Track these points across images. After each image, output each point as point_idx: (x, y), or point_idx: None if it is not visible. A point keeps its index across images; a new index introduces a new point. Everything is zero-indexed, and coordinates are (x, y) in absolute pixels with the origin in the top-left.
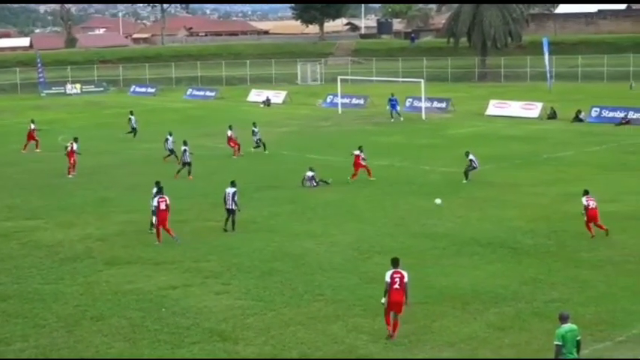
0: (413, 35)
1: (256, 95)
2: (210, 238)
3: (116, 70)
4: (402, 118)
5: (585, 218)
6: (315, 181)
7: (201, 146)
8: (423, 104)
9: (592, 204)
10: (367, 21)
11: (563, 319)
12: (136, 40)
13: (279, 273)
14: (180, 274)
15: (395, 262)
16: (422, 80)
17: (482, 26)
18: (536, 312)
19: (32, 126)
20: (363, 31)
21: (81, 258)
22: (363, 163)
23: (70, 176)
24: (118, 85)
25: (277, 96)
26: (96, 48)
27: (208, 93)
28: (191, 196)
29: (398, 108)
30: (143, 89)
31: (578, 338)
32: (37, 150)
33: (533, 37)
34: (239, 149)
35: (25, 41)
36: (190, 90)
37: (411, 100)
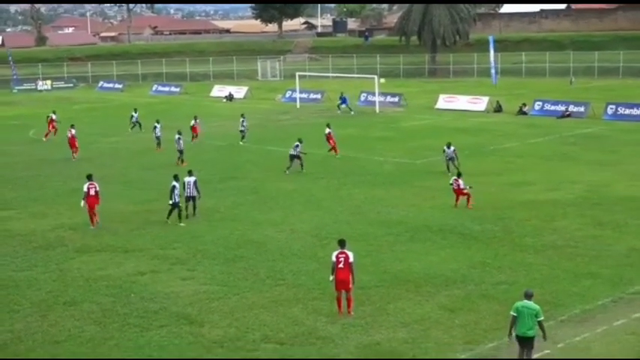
0: (367, 34)
1: (219, 91)
2: (176, 226)
3: (85, 67)
4: (352, 112)
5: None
6: (300, 152)
7: (165, 140)
8: (377, 99)
9: (456, 185)
10: (323, 20)
11: (527, 296)
12: (104, 39)
13: (243, 259)
14: (148, 260)
15: (341, 243)
16: (375, 76)
17: (432, 25)
18: (485, 294)
19: (53, 116)
20: (319, 30)
21: (53, 246)
22: (333, 139)
23: (74, 159)
24: (86, 82)
25: (239, 91)
26: (65, 46)
27: (173, 89)
28: (157, 187)
29: (348, 102)
30: (111, 85)
31: (540, 319)
32: (45, 139)
33: (480, 35)
34: (197, 136)
35: None
36: (156, 86)
37: (365, 94)
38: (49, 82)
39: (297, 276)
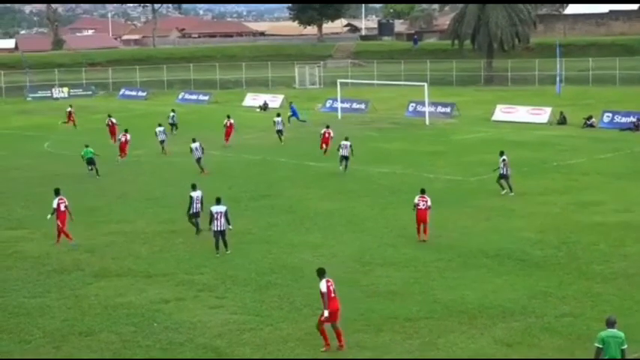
0: (416, 37)
1: (252, 99)
2: (203, 249)
3: (105, 73)
4: (306, 121)
5: (415, 218)
6: (350, 150)
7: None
8: (427, 109)
9: (422, 204)
10: (368, 22)
11: (610, 323)
12: (126, 42)
13: (277, 286)
14: (172, 287)
15: (322, 272)
16: (425, 84)
17: (488, 27)
18: (547, 327)
19: (114, 120)
20: (363, 33)
21: (68, 270)
22: (330, 140)
23: (119, 160)
24: (107, 89)
25: (274, 100)
26: (84, 50)
27: (202, 97)
28: (182, 204)
29: (298, 114)
30: (133, 93)
31: (624, 347)
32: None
33: (542, 38)
34: (227, 140)
35: (9, 43)
36: (183, 94)
37: (414, 104)
38: (65, 89)
39: None
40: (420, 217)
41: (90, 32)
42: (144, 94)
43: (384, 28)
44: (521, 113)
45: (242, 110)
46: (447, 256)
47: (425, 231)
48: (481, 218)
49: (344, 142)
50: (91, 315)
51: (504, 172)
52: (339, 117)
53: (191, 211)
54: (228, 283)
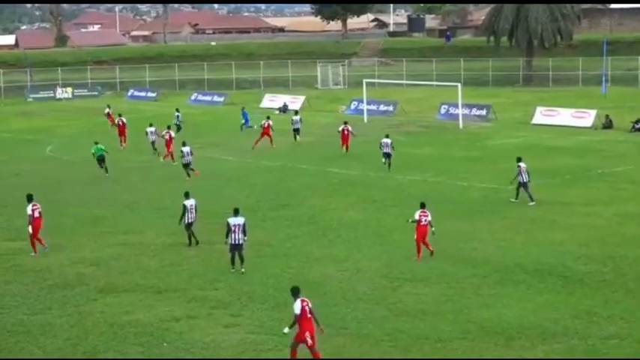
0: (448, 33)
1: (270, 100)
2: (218, 263)
3: (112, 71)
4: (255, 127)
5: (415, 235)
6: (392, 148)
7: (206, 158)
8: (460, 111)
9: (424, 220)
10: (396, 17)
11: None
12: (135, 38)
13: None
14: (184, 303)
15: (296, 292)
16: (459, 84)
17: (527, 23)
18: (591, 350)
19: (124, 119)
20: (391, 29)
21: (72, 285)
22: (350, 136)
23: (163, 160)
24: (114, 89)
25: (294, 101)
26: (90, 47)
27: (216, 98)
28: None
29: (250, 122)
30: (142, 93)
31: None
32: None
33: (586, 35)
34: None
35: (9, 39)
36: (196, 94)
37: (446, 106)
38: (69, 89)
39: (363, 324)
40: (422, 234)
41: (96, 28)
42: (154, 94)
43: (414, 24)
44: (564, 116)
45: (260, 112)
46: (483, 271)
47: (427, 245)
48: (520, 230)
49: (385, 140)
50: (96, 334)
51: (523, 180)
52: (365, 120)
53: (185, 221)
54: (245, 299)
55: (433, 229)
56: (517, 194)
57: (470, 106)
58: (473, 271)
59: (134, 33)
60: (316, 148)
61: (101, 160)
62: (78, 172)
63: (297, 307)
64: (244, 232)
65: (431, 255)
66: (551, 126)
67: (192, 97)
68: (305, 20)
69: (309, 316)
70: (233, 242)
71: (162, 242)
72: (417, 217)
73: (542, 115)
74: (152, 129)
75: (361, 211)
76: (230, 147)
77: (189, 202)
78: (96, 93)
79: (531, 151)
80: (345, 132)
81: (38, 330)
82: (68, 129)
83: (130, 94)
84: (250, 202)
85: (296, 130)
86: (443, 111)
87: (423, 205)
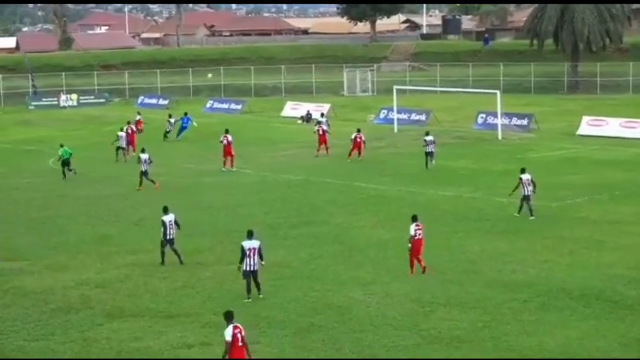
0: (487, 35)
1: (292, 109)
2: (234, 285)
3: (121, 77)
4: (178, 138)
5: (409, 250)
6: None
7: (222, 172)
8: (499, 121)
9: (419, 234)
10: (430, 18)
11: None
12: (146, 41)
13: (321, 329)
14: (197, 329)
15: (230, 317)
16: (498, 91)
17: (573, 25)
18: None
19: (133, 127)
20: (424, 31)
21: (76, 309)
22: (363, 144)
23: (226, 169)
24: (122, 96)
25: (318, 110)
26: (96, 50)
27: (233, 105)
28: (211, 232)
29: (188, 126)
30: (153, 101)
31: None
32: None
33: (637, 38)
34: (326, 147)
35: (10, 42)
36: (211, 102)
37: (483, 115)
38: (74, 96)
39: (392, 352)
40: (417, 249)
41: (103, 29)
42: (166, 102)
43: (450, 26)
44: (612, 126)
45: (280, 121)
46: (523, 295)
47: (420, 261)
48: (563, 251)
49: (428, 138)
50: None
51: (525, 193)
52: (395, 130)
53: (165, 238)
54: (263, 325)
55: None
56: (520, 208)
57: (510, 116)
58: (512, 295)
59: (144, 35)
60: (342, 160)
61: (66, 163)
62: (82, 187)
63: (228, 333)
64: (261, 256)
65: (422, 272)
66: (598, 137)
67: (207, 105)
68: (330, 21)
69: (240, 344)
70: (248, 268)
71: (173, 262)
72: (412, 232)
73: (588, 126)
74: (122, 134)
75: (391, 230)
76: (248, 159)
77: (168, 218)
78: (103, 100)
79: (577, 165)
80: (358, 139)
81: (39, 357)
82: (72, 139)
83: (139, 101)
84: (270, 219)
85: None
86: (480, 120)
87: (415, 218)
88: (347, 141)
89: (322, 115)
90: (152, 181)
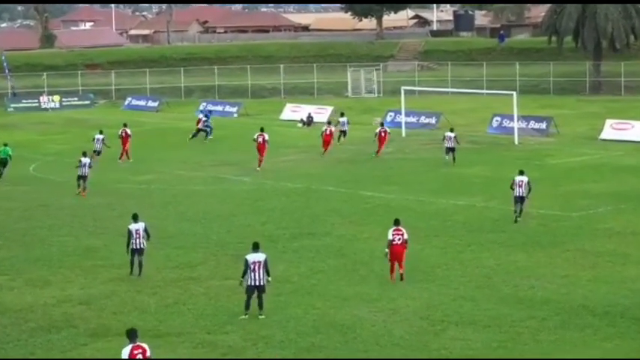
0: (502, 32)
1: (292, 111)
2: (229, 301)
3: (107, 77)
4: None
5: (385, 255)
6: (457, 141)
7: (217, 179)
8: (516, 124)
9: (397, 239)
10: (440, 13)
11: None
12: (134, 38)
13: (323, 350)
14: (189, 349)
15: (132, 335)
16: (514, 93)
17: (595, 21)
18: None
19: (128, 130)
20: (434, 27)
21: (58, 327)
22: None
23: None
24: (109, 97)
25: (320, 112)
26: (81, 48)
27: (228, 108)
28: (204, 245)
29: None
30: (142, 102)
31: None
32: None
33: None
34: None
35: None
36: (204, 104)
37: (499, 118)
38: (57, 97)
39: None
40: (396, 255)
41: (88, 26)
42: (155, 104)
43: (462, 22)
44: (638, 130)
45: (279, 125)
46: (542, 313)
47: (400, 266)
48: (586, 265)
49: (448, 134)
50: None
51: (519, 194)
52: (403, 134)
53: (131, 247)
54: (261, 345)
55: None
56: (520, 211)
57: (527, 119)
58: (530, 312)
59: (133, 32)
60: (346, 167)
61: (4, 164)
62: (66, 195)
63: (125, 353)
64: (267, 271)
65: (401, 279)
66: (623, 142)
67: (201, 107)
68: (333, 17)
69: None
70: (252, 283)
71: (163, 277)
72: (389, 236)
73: (612, 129)
74: (100, 136)
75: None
76: (245, 166)
77: (135, 227)
78: (87, 102)
79: (599, 172)
80: (382, 134)
81: None
82: (55, 144)
83: (127, 103)
84: (268, 231)
85: (343, 132)
86: (495, 124)
87: (397, 222)
88: (351, 146)
89: (342, 114)
90: (84, 187)
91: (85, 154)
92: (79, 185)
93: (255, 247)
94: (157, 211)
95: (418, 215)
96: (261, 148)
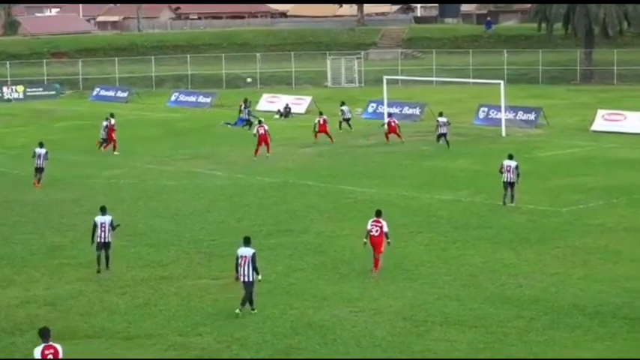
0: (489, 19)
1: (269, 102)
2: (203, 302)
3: (74, 66)
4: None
5: (364, 245)
6: (448, 123)
7: (189, 173)
8: (503, 115)
9: (374, 230)
10: None
11: None
12: (102, 25)
13: (301, 352)
14: (161, 352)
15: (44, 334)
16: (501, 82)
17: (586, 6)
18: None
19: (113, 121)
20: (419, 14)
21: (22, 330)
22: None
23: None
24: (75, 87)
25: (299, 103)
26: (46, 36)
27: (202, 98)
28: (177, 242)
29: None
30: (111, 93)
31: None
32: (115, 152)
33: None
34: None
35: None
36: (177, 94)
37: (485, 109)
38: (20, 87)
39: None
40: (373, 246)
41: (54, 12)
42: (125, 94)
43: (447, 8)
44: (631, 121)
45: (256, 115)
46: (530, 312)
47: (376, 264)
48: (576, 263)
49: (441, 119)
50: None
51: (508, 179)
52: (386, 126)
53: (96, 241)
54: (236, 347)
55: (389, 240)
56: (511, 197)
57: (515, 109)
58: (518, 312)
59: (101, 18)
60: (325, 160)
61: None
62: (31, 191)
63: (36, 353)
64: (254, 268)
65: (372, 271)
66: (615, 133)
67: (172, 98)
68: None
69: None
70: (241, 279)
71: (133, 277)
72: (368, 226)
73: (604, 120)
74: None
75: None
76: (219, 159)
77: (101, 220)
78: (53, 92)
79: (591, 165)
80: (392, 124)
81: None
82: (19, 137)
83: (95, 93)
84: (243, 228)
85: (347, 120)
86: (482, 115)
87: (378, 213)
88: (336, 139)
89: (343, 103)
90: (39, 178)
91: (41, 145)
92: (37, 178)
93: (246, 242)
94: (127, 207)
95: (401, 211)
96: (263, 138)
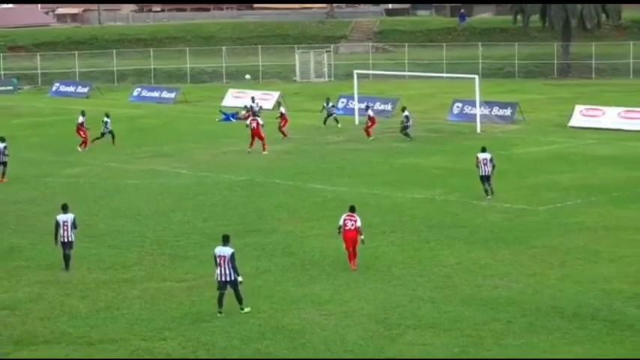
0: (463, 11)
1: (235, 97)
2: (168, 305)
3: (32, 60)
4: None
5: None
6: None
7: (153, 171)
8: (478, 111)
9: (350, 224)
10: None
11: None
12: (62, 18)
13: (269, 357)
14: (123, 357)
15: None
16: (476, 76)
17: None
18: None
19: (81, 119)
20: (390, 6)
21: None
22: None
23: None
24: (34, 83)
25: (266, 98)
26: (2, 28)
27: (165, 94)
28: (140, 244)
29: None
30: (71, 88)
31: None
32: (85, 148)
33: (638, 13)
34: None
35: None
36: (139, 89)
37: (460, 104)
38: None
39: None
40: (349, 240)
41: (10, 5)
42: (85, 89)
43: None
44: (610, 117)
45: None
46: (507, 315)
47: (353, 258)
48: (554, 263)
49: (406, 113)
50: None
51: (484, 173)
52: (357, 122)
53: (60, 240)
54: (202, 352)
55: (362, 237)
56: (489, 190)
57: (490, 105)
58: (494, 315)
59: (60, 11)
60: (293, 158)
61: None
62: None
63: None
64: (235, 269)
65: (351, 268)
66: (593, 129)
67: (135, 94)
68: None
69: None
70: (221, 279)
71: (95, 279)
72: (340, 221)
73: (582, 116)
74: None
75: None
76: (184, 157)
77: (63, 218)
78: (10, 87)
79: (569, 162)
80: (371, 115)
81: None
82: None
83: (54, 89)
84: (209, 228)
85: (330, 115)
86: (456, 110)
87: (352, 209)
88: (299, 135)
89: (328, 99)
90: (3, 172)
91: (3, 140)
92: (2, 173)
93: (225, 241)
94: (87, 207)
95: (373, 210)
96: (256, 132)
